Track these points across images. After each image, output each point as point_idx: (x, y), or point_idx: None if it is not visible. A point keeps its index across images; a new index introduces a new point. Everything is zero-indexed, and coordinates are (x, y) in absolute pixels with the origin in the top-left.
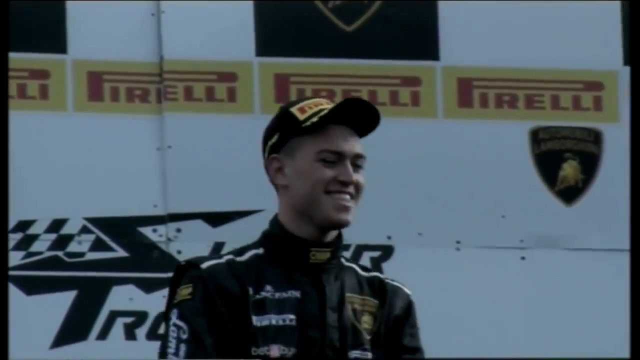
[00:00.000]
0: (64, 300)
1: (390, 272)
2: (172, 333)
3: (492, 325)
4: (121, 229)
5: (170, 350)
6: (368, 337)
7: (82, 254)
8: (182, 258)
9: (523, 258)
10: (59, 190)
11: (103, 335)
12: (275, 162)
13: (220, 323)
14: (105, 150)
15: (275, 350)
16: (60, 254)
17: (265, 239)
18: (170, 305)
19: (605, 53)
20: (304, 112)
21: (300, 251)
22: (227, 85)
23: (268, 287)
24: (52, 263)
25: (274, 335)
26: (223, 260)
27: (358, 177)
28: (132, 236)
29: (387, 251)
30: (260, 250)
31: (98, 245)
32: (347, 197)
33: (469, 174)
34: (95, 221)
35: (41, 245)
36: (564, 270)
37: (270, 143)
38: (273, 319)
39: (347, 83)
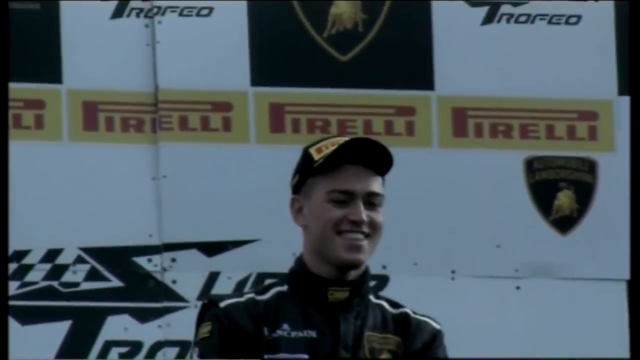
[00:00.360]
0: (59, 330)
1: None
2: None
3: (488, 354)
4: (116, 258)
5: None
6: None
7: (77, 284)
8: (177, 288)
9: (518, 287)
10: (54, 220)
11: None
12: (296, 202)
13: None
14: (100, 180)
15: None
16: (55, 283)
17: (289, 277)
18: (194, 343)
19: (600, 82)
20: (320, 151)
21: (319, 290)
22: (222, 114)
23: (285, 326)
24: (47, 293)
25: None
26: (243, 299)
27: (373, 215)
28: (127, 266)
29: (382, 281)
30: (284, 288)
31: (93, 275)
32: (360, 236)
33: (464, 203)
34: (90, 251)
35: (36, 275)
36: (559, 300)
37: (292, 184)
38: (285, 358)
39: (342, 113)
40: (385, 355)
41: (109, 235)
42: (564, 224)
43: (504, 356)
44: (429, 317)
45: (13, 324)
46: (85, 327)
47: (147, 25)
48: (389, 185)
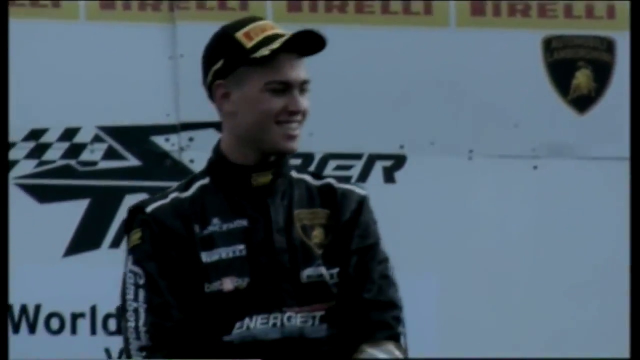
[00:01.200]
0: (77, 208)
1: (403, 181)
2: (130, 279)
3: (503, 233)
4: (133, 137)
5: (130, 297)
6: (320, 252)
7: (94, 163)
8: (194, 167)
9: (535, 167)
10: (71, 99)
11: (116, 243)
12: (221, 88)
13: (170, 265)
14: (117, 59)
15: (228, 283)
16: (72, 162)
17: (209, 168)
18: (127, 251)
19: None
20: (251, 39)
21: (242, 177)
22: None
23: (215, 220)
24: (65, 171)
25: (225, 269)
26: (167, 200)
27: (305, 102)
28: (144, 145)
29: (399, 160)
30: (207, 180)
31: (110, 154)
32: (296, 125)
33: (481, 83)
34: (107, 130)
35: (54, 154)
36: (575, 179)
37: (214, 68)
38: (222, 252)
39: None
40: (317, 231)
41: (126, 114)
42: (582, 103)
43: (516, 238)
44: (353, 184)
45: (31, 202)
46: (103, 205)
47: None
48: (407, 65)
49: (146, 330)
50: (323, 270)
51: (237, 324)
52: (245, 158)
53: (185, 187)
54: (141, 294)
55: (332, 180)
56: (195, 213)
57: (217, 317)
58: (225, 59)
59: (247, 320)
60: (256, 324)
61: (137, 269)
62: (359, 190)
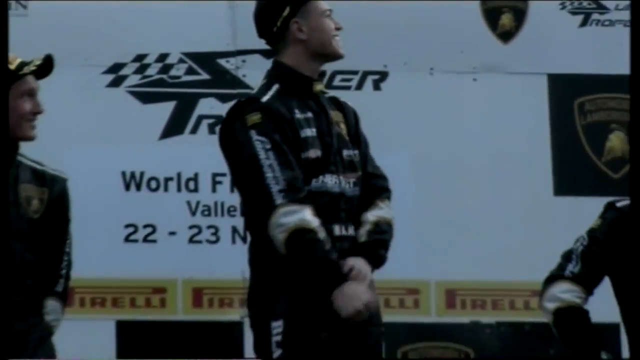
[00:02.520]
0: (167, 108)
1: (386, 89)
2: (258, 146)
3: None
4: (205, 60)
5: (262, 157)
6: (347, 139)
7: (179, 77)
8: (246, 80)
9: (475, 80)
10: (163, 33)
11: (194, 130)
12: (295, 24)
13: (286, 137)
14: (195, 9)
15: (312, 153)
16: (164, 76)
17: (277, 78)
18: (241, 130)
19: None
20: None
21: (307, 84)
22: None
23: (296, 111)
24: (159, 83)
25: (311, 143)
26: (268, 95)
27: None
28: (212, 65)
29: (383, 75)
30: (277, 87)
31: (190, 71)
32: (339, 37)
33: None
34: (188, 55)
35: (152, 71)
36: (503, 91)
37: (283, 15)
38: (308, 132)
39: None
40: (342, 125)
41: (200, 44)
42: (506, 36)
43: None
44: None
45: (136, 104)
46: (185, 105)
47: None
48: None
49: (284, 178)
50: (352, 151)
51: (314, 180)
52: (310, 71)
53: (264, 93)
54: (271, 154)
55: (334, 94)
56: (287, 103)
57: (305, 174)
58: (290, 6)
59: (321, 177)
60: (326, 181)
61: (263, 139)
62: (350, 104)
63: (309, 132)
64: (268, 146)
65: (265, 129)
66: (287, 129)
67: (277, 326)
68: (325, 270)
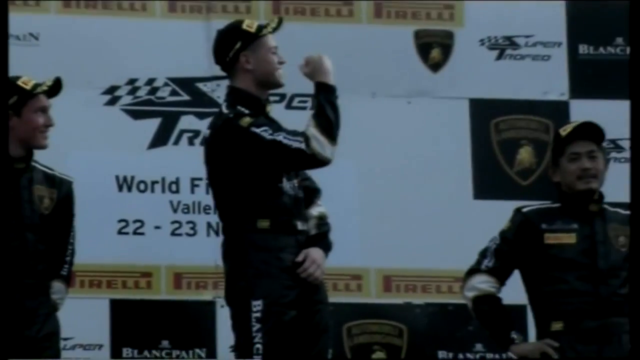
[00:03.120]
0: (154, 123)
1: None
2: (264, 133)
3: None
4: (186, 83)
5: (269, 132)
6: None
7: (164, 98)
8: (219, 101)
9: (409, 102)
10: (151, 61)
11: (176, 142)
12: (244, 57)
13: (275, 124)
14: (180, 44)
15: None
16: (152, 97)
17: (236, 102)
18: (242, 133)
19: None
20: (251, 27)
21: (261, 106)
22: None
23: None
24: (148, 102)
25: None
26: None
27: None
28: (192, 87)
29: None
30: (240, 108)
31: (173, 92)
32: (282, 70)
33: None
34: (171, 79)
35: (141, 92)
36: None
37: (235, 48)
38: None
39: None
40: None
41: (182, 70)
42: (435, 67)
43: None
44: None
45: (128, 119)
46: (168, 121)
47: None
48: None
49: (297, 137)
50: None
51: (279, 184)
52: (259, 94)
53: (235, 108)
54: (279, 130)
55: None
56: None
57: (272, 180)
58: (242, 41)
59: (283, 183)
60: (285, 185)
61: (263, 127)
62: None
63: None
64: (271, 131)
65: (259, 123)
66: (270, 120)
67: (257, 304)
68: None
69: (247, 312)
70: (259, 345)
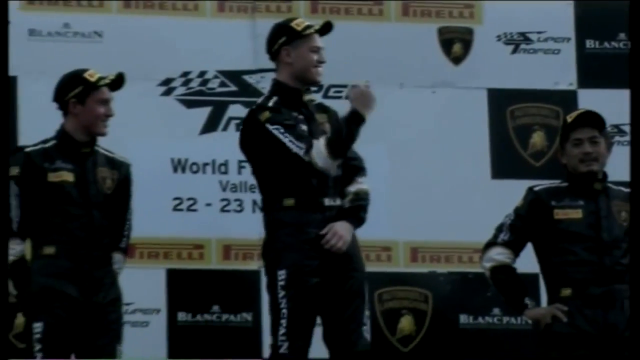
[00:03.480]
0: (205, 111)
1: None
2: (275, 130)
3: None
4: (234, 75)
5: (281, 131)
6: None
7: (214, 89)
8: (264, 91)
9: (434, 92)
10: (201, 56)
11: (225, 128)
12: (285, 50)
13: (291, 122)
14: (231, 39)
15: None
16: (203, 88)
17: (274, 94)
18: (258, 127)
19: None
20: (299, 26)
21: (297, 95)
22: None
23: (292, 114)
24: (200, 93)
25: (305, 137)
26: (271, 103)
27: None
28: (239, 80)
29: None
30: (276, 98)
31: (222, 84)
32: (321, 69)
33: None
34: (221, 72)
35: (194, 84)
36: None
37: (280, 42)
38: (302, 127)
39: None
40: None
41: (231, 63)
42: (457, 60)
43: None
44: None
45: (182, 109)
46: (218, 110)
47: None
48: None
49: (302, 146)
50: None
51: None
52: (297, 86)
53: (267, 103)
54: (289, 131)
55: (320, 101)
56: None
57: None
58: (287, 36)
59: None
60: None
61: (277, 125)
62: (333, 108)
63: (303, 128)
64: (282, 129)
65: (276, 119)
66: (293, 120)
67: (282, 274)
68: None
69: (275, 281)
70: (284, 310)
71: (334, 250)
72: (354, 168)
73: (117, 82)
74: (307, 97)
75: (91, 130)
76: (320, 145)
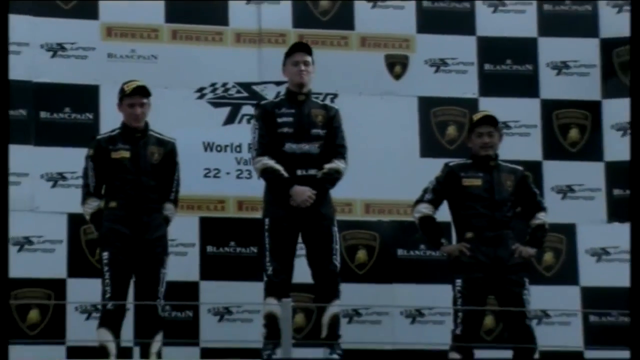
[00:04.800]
0: (226, 110)
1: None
2: (252, 128)
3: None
4: (246, 86)
5: (255, 135)
6: (321, 124)
7: (232, 95)
8: (267, 97)
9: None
10: (224, 70)
11: (240, 121)
12: (284, 65)
13: (266, 123)
14: (237, 58)
15: (285, 130)
16: (225, 94)
17: (284, 94)
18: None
19: None
20: (289, 48)
21: (294, 95)
22: None
23: (283, 108)
24: (223, 97)
25: (287, 125)
26: (270, 100)
27: (309, 67)
28: (249, 89)
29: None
30: (283, 96)
31: (238, 92)
32: (305, 73)
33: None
34: (237, 83)
35: (219, 91)
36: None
37: (283, 59)
38: (284, 119)
39: None
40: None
41: (243, 77)
42: (397, 75)
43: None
44: (329, 104)
45: (211, 108)
46: (235, 109)
47: None
48: None
49: (257, 147)
50: (320, 130)
51: (287, 143)
52: (295, 89)
53: (272, 100)
54: (257, 131)
55: (324, 102)
56: (279, 109)
57: (279, 140)
58: (285, 56)
59: (290, 143)
60: (292, 145)
61: (255, 124)
62: (334, 107)
63: (286, 119)
64: (256, 128)
65: (260, 119)
66: (267, 118)
67: (267, 222)
68: (279, 182)
69: (263, 225)
70: (267, 245)
71: (299, 205)
72: (336, 152)
73: (140, 90)
74: (300, 98)
75: (128, 123)
76: (259, 160)
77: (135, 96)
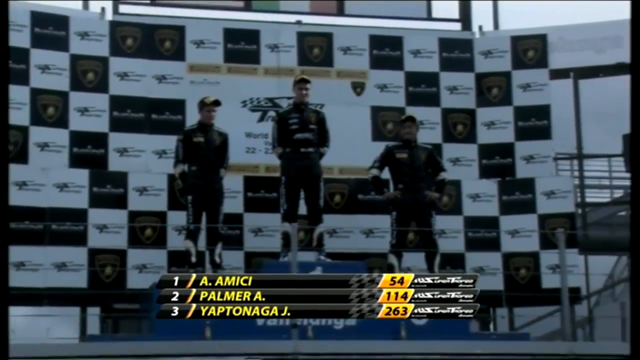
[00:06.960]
0: (259, 114)
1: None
2: (273, 129)
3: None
4: (272, 100)
5: (272, 132)
6: (315, 125)
7: (262, 105)
8: (284, 107)
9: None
10: (258, 90)
11: (267, 120)
12: (293, 89)
13: (280, 124)
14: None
15: (293, 127)
16: (259, 105)
17: (292, 104)
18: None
19: None
20: (296, 78)
21: (299, 105)
22: None
23: (291, 114)
24: (257, 107)
25: (296, 124)
26: (284, 109)
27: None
28: (274, 102)
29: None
30: (291, 106)
31: (266, 103)
32: (305, 91)
33: None
34: (265, 98)
35: (254, 102)
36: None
37: (292, 86)
38: (293, 120)
39: None
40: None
41: (269, 93)
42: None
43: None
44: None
45: (249, 113)
46: (264, 113)
47: None
48: None
49: (274, 141)
50: (315, 126)
51: (296, 135)
52: (298, 101)
53: (285, 109)
54: (275, 131)
55: (317, 109)
56: (289, 114)
57: (291, 134)
58: (294, 83)
59: (299, 134)
60: (298, 136)
61: (275, 126)
62: (322, 111)
63: (294, 120)
64: (274, 130)
65: (278, 123)
66: (282, 122)
67: (283, 179)
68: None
69: (280, 182)
70: (283, 192)
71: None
72: (324, 139)
73: (216, 102)
74: (301, 107)
75: (204, 121)
76: (277, 150)
77: (211, 105)
